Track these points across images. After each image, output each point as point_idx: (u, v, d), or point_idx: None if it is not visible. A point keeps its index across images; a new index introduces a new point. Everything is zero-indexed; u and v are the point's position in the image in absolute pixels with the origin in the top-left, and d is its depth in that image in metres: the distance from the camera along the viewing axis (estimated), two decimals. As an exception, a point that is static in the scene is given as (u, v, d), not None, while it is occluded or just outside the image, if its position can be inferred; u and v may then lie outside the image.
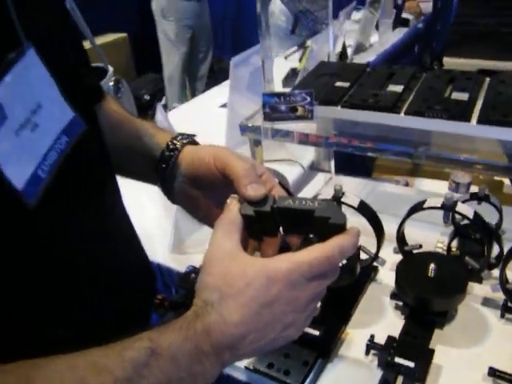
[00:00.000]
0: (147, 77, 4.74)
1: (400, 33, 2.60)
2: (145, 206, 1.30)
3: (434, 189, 1.52)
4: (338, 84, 1.06)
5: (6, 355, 0.39)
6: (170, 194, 0.62)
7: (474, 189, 1.34)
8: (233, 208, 0.50)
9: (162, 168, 0.61)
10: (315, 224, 0.49)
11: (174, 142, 0.62)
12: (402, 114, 0.93)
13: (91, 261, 0.53)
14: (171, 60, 3.86)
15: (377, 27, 2.54)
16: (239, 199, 0.51)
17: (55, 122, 0.46)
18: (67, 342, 0.41)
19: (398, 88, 1.00)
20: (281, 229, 0.53)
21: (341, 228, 0.48)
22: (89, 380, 0.40)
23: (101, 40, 4.23)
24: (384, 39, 2.54)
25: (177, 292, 1.03)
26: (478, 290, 0.93)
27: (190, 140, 0.63)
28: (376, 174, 1.84)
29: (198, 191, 0.60)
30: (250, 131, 1.02)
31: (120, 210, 0.63)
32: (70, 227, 0.49)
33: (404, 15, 2.73)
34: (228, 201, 0.51)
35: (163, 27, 3.79)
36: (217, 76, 5.03)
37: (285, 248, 0.55)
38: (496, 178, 1.67)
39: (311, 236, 0.53)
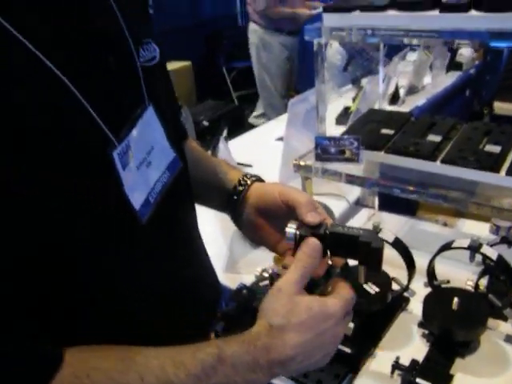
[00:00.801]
0: (207, 103, 4.98)
1: (453, 76, 2.66)
2: (203, 229, 1.45)
3: (476, 230, 1.59)
4: (384, 131, 1.18)
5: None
6: (238, 221, 0.76)
7: None
8: (308, 257, 0.59)
9: (234, 200, 0.75)
10: (359, 247, 0.61)
11: (245, 178, 0.76)
12: (438, 163, 1.04)
13: (177, 272, 0.67)
14: (269, 90, 4.05)
15: (431, 69, 2.63)
16: (297, 224, 0.64)
17: (162, 160, 0.62)
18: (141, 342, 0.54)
19: (437, 138, 1.12)
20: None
21: (379, 251, 0.61)
22: (167, 369, 0.51)
23: (167, 67, 4.51)
24: (437, 81, 2.61)
25: (226, 306, 1.16)
26: (502, 327, 1.01)
27: (257, 178, 0.77)
28: (420, 212, 1.92)
29: (262, 219, 0.73)
30: (302, 169, 1.16)
31: (197, 232, 0.78)
32: (166, 241, 0.64)
33: (458, 59, 2.80)
34: (288, 224, 0.63)
35: (261, 59, 3.98)
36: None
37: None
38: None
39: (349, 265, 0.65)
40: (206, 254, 0.81)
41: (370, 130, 1.20)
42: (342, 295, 0.59)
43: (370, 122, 1.25)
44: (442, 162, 1.04)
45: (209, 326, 0.85)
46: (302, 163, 1.16)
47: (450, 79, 2.65)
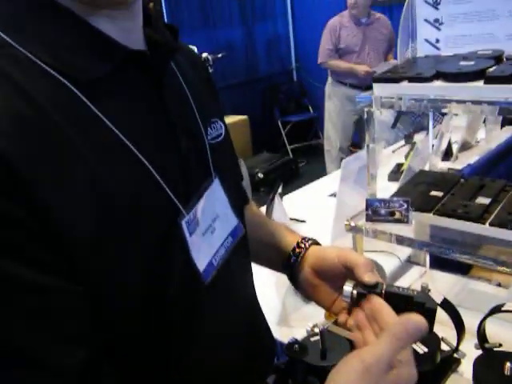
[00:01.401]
0: (262, 156, 5.13)
1: (508, 131, 2.64)
2: (259, 281, 1.51)
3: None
4: (433, 193, 1.22)
5: None
6: (296, 281, 0.81)
7: None
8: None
9: (292, 261, 0.81)
10: (413, 307, 0.64)
11: (304, 241, 0.82)
12: (487, 225, 1.07)
13: (234, 326, 0.73)
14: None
15: (484, 123, 2.63)
16: (354, 283, 0.68)
17: (226, 227, 0.69)
18: None
19: (486, 200, 1.15)
20: None
21: (433, 312, 0.64)
22: None
23: (226, 120, 4.69)
24: (491, 137, 2.59)
25: (278, 359, 1.20)
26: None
27: (315, 241, 0.83)
28: (474, 270, 1.91)
29: (319, 279, 0.78)
30: (354, 230, 1.21)
31: (254, 292, 0.84)
32: (227, 301, 0.70)
33: (513, 114, 2.79)
34: (346, 283, 0.68)
35: (327, 109, 4.17)
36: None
37: None
38: None
39: None
40: (261, 311, 0.86)
41: (419, 191, 1.24)
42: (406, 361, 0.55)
43: (419, 183, 1.30)
44: (491, 224, 1.07)
45: (263, 380, 0.89)
46: (353, 224, 1.21)
47: (504, 134, 2.63)
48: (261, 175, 4.58)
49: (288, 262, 0.82)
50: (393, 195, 1.23)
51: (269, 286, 1.47)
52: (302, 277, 0.80)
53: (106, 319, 0.53)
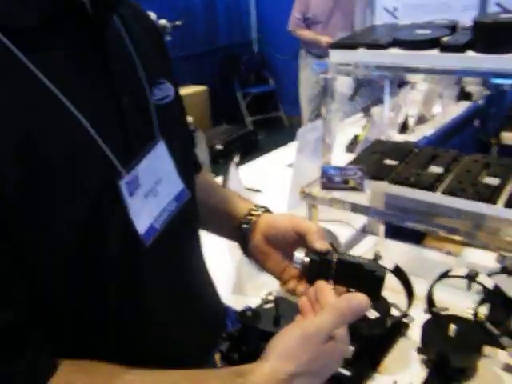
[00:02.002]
0: (221, 128, 5.07)
1: (462, 106, 2.70)
2: (212, 251, 1.50)
3: (483, 259, 1.62)
4: (387, 162, 1.23)
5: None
6: (246, 249, 0.80)
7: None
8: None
9: (244, 228, 0.79)
10: (363, 275, 0.65)
11: (256, 209, 0.81)
12: (439, 193, 1.09)
13: (172, 296, 0.70)
14: None
15: (440, 98, 2.67)
16: (306, 251, 0.68)
17: (170, 191, 0.67)
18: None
19: (439, 169, 1.16)
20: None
21: (381, 279, 0.65)
22: None
23: (183, 91, 4.60)
24: (446, 111, 2.64)
25: (232, 327, 1.20)
26: (500, 355, 1.04)
27: (267, 209, 0.82)
28: (428, 240, 1.95)
29: (270, 247, 0.77)
30: (309, 197, 1.21)
31: (202, 259, 0.83)
32: (168, 266, 0.69)
33: (467, 89, 2.85)
34: (297, 249, 0.68)
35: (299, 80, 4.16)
36: (287, 130, 5.31)
37: None
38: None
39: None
40: (211, 281, 0.85)
41: (374, 160, 1.25)
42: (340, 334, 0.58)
43: (375, 152, 1.30)
44: (443, 193, 1.09)
45: (213, 348, 0.89)
46: (308, 191, 1.21)
47: (459, 109, 2.68)
48: (220, 147, 4.54)
49: (239, 229, 0.80)
50: (348, 164, 1.23)
51: (223, 255, 1.46)
52: (253, 244, 0.79)
53: (40, 281, 0.52)
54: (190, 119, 2.43)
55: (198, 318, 0.77)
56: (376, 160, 1.25)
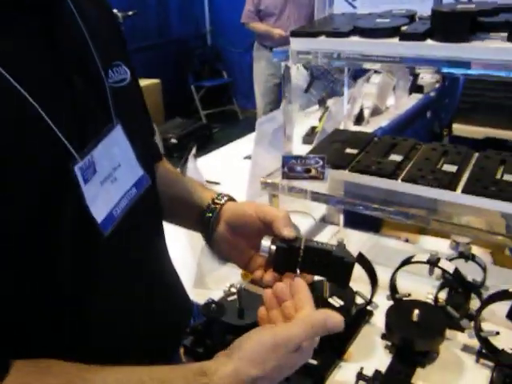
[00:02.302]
0: (175, 121, 5.00)
1: (415, 99, 2.77)
2: (171, 245, 1.47)
3: (437, 246, 1.66)
4: (348, 151, 1.23)
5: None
6: (210, 239, 0.78)
7: (475, 248, 1.48)
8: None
9: (207, 217, 0.77)
10: (331, 261, 0.64)
11: (219, 197, 0.78)
12: (399, 181, 1.10)
13: (134, 287, 0.67)
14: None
15: (394, 91, 2.73)
16: (272, 238, 0.67)
17: (129, 177, 0.64)
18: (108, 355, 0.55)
19: (398, 157, 1.17)
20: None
21: (351, 265, 0.64)
22: None
23: (136, 84, 4.51)
24: (399, 103, 2.70)
25: (195, 321, 1.18)
26: (459, 337, 1.06)
27: (231, 197, 0.80)
28: (385, 229, 1.99)
29: (235, 236, 0.75)
30: (269, 187, 1.20)
31: (165, 249, 0.80)
32: (129, 257, 0.66)
33: (420, 82, 2.92)
34: (264, 237, 0.67)
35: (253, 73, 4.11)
36: (242, 124, 5.30)
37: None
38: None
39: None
40: (175, 272, 0.83)
41: (334, 149, 1.25)
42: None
43: (335, 141, 1.30)
44: (403, 180, 1.10)
45: (178, 343, 0.86)
46: (269, 181, 1.19)
47: (412, 101, 2.75)
48: (174, 140, 4.47)
49: (202, 218, 0.78)
50: (308, 153, 1.22)
51: (182, 248, 1.43)
52: (218, 234, 0.77)
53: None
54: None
55: (162, 310, 0.74)
56: (336, 149, 1.25)
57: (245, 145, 2.25)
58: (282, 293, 0.62)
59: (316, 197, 1.15)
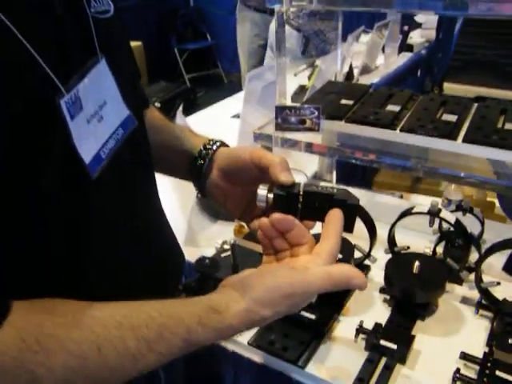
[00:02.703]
0: (159, 85, 4.88)
1: (404, 57, 2.71)
2: (162, 202, 1.43)
3: (428, 204, 1.64)
4: (343, 101, 1.18)
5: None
6: (203, 188, 0.73)
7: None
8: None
9: (199, 164, 0.72)
10: (334, 205, 0.60)
11: (211, 142, 0.74)
12: (398, 131, 1.06)
13: (127, 234, 0.64)
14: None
15: (383, 50, 2.67)
16: (269, 186, 0.62)
17: (115, 116, 0.59)
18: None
19: (396, 108, 1.13)
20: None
21: (356, 208, 0.60)
22: (128, 342, 0.49)
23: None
24: (389, 62, 2.65)
25: (187, 278, 1.15)
26: (458, 290, 1.04)
27: (223, 143, 0.75)
28: (374, 188, 1.96)
29: (229, 184, 0.70)
30: (263, 139, 1.15)
31: (157, 198, 0.75)
32: (121, 201, 0.61)
33: (409, 41, 2.87)
34: (259, 186, 0.62)
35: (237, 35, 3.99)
36: (226, 88, 5.20)
37: None
38: (488, 199, 1.78)
39: None
40: (167, 223, 0.79)
41: (329, 100, 1.20)
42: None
43: (329, 93, 1.25)
44: (401, 130, 1.06)
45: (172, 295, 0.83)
46: (261, 132, 1.15)
47: (401, 60, 2.70)
48: (158, 104, 4.37)
49: (194, 166, 0.73)
50: (303, 103, 1.17)
51: (172, 205, 1.39)
52: (210, 182, 0.72)
53: None
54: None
55: (153, 259, 0.70)
56: (331, 100, 1.20)
57: (232, 104, 2.18)
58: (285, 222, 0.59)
59: (310, 149, 1.11)
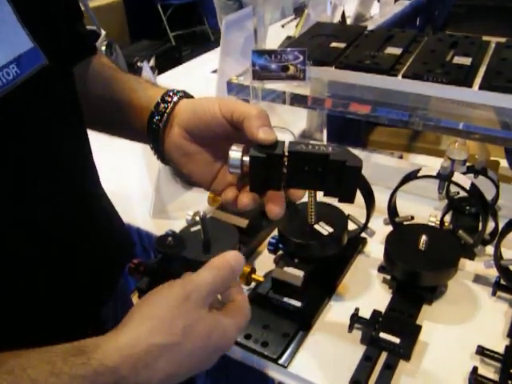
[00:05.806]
0: (141, 43, 4.65)
1: (401, 5, 2.52)
2: (127, 170, 1.25)
3: (428, 165, 1.47)
4: (334, 44, 1.00)
5: None
6: (162, 151, 0.58)
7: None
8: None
9: (156, 121, 0.56)
10: (329, 169, 0.45)
11: (170, 94, 0.58)
12: (400, 77, 0.88)
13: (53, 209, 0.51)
14: None
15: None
16: (244, 147, 0.47)
17: (8, 48, 0.42)
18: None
19: (397, 50, 0.95)
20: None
21: (358, 171, 0.45)
22: None
23: (95, 3, 4.12)
24: (385, 11, 2.46)
25: (155, 257, 0.99)
26: (469, 266, 0.88)
27: (186, 93, 0.59)
28: (370, 144, 1.79)
29: (196, 145, 0.55)
30: (238, 90, 0.97)
31: (88, 165, 0.59)
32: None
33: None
34: (231, 147, 0.47)
35: None
36: (213, 45, 4.95)
37: None
38: (492, 158, 1.63)
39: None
40: (107, 200, 0.66)
41: (317, 43, 1.01)
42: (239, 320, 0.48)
43: (317, 35, 1.06)
44: (404, 76, 0.88)
45: (115, 283, 0.72)
46: (236, 81, 0.96)
47: (398, 7, 2.50)
48: (140, 64, 4.13)
49: (150, 123, 0.58)
50: (286, 47, 0.98)
51: (136, 172, 1.22)
52: (171, 142, 0.57)
53: None
54: (103, 32, 2.08)
55: (89, 245, 0.59)
56: (319, 43, 1.01)
57: (214, 59, 1.99)
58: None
59: (296, 99, 0.92)
